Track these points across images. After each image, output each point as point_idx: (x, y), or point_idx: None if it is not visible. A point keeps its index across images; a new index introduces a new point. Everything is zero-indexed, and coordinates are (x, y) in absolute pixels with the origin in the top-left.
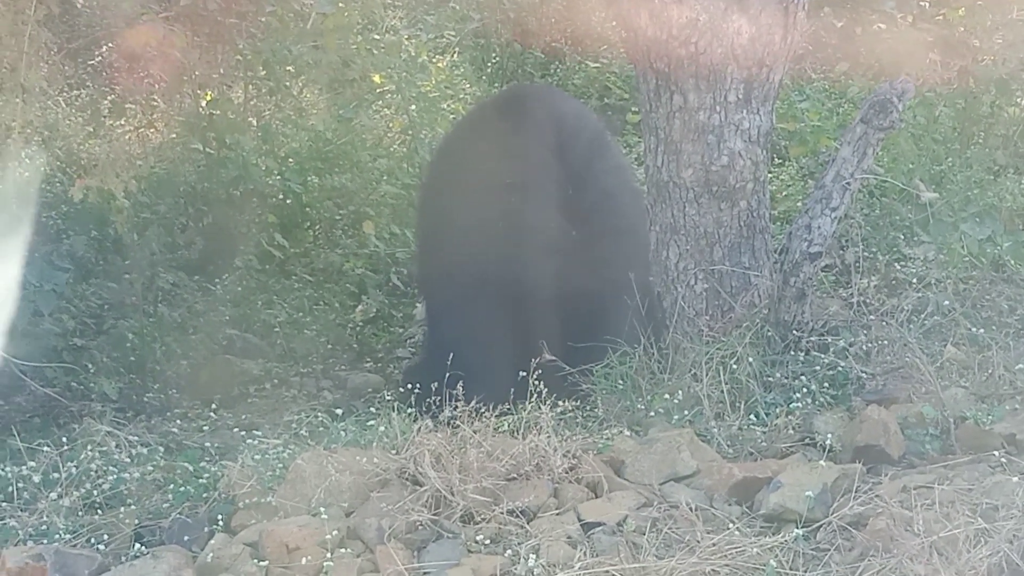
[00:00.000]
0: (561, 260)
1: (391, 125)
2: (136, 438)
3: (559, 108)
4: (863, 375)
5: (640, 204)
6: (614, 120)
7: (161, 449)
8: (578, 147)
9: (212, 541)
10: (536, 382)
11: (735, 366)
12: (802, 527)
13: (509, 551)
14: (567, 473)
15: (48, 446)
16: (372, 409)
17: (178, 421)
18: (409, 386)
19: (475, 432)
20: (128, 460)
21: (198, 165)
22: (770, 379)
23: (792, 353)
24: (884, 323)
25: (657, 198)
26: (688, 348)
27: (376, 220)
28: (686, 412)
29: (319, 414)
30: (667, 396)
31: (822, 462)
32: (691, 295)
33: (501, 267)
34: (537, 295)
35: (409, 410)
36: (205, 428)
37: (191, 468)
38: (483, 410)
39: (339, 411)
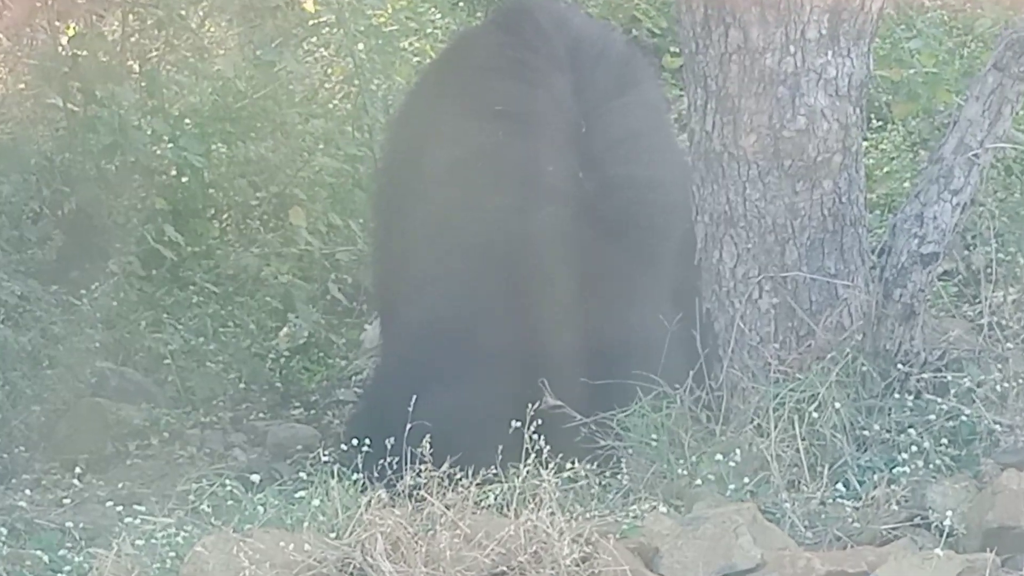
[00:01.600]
0: (577, 260)
1: (330, 72)
2: None
3: (581, 31)
4: (996, 427)
5: (684, 175)
6: None
7: (3, 531)
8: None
9: None
10: (535, 435)
11: (816, 414)
12: None
13: None
14: (578, 566)
15: None
16: (302, 475)
17: (27, 491)
18: (355, 442)
19: (448, 507)
20: None
21: (56, 128)
22: (865, 433)
23: (896, 396)
24: None
25: (706, 176)
26: (749, 389)
27: (308, 207)
28: (746, 479)
29: (227, 482)
30: (719, 457)
31: (938, 551)
32: (754, 314)
33: (495, 271)
34: (543, 311)
35: (355, 476)
36: (66, 501)
37: (46, 559)
38: (460, 476)
39: (255, 477)
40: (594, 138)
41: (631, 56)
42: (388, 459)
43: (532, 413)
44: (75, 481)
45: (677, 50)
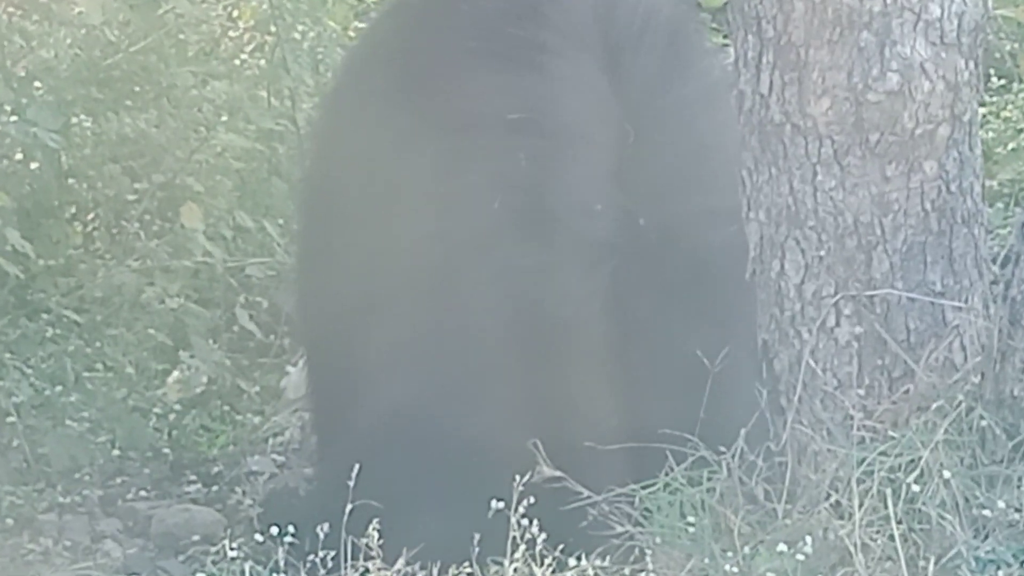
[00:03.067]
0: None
1: (236, 15)
2: None
3: None
4: None
5: None
6: None
7: None
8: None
9: None
10: (524, 518)
11: (916, 487)
12: None
13: None
14: None
15: None
16: None
17: None
18: (276, 530)
19: None
20: None
21: None
22: (986, 512)
23: None
24: None
25: (761, 157)
26: (824, 452)
27: (207, 203)
28: None
29: None
30: (783, 547)
31: None
32: (829, 348)
33: (513, 353)
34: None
35: None
36: None
37: None
38: (421, 574)
39: None
40: (647, 156)
41: (682, 21)
42: (324, 552)
43: (521, 488)
44: None
45: None
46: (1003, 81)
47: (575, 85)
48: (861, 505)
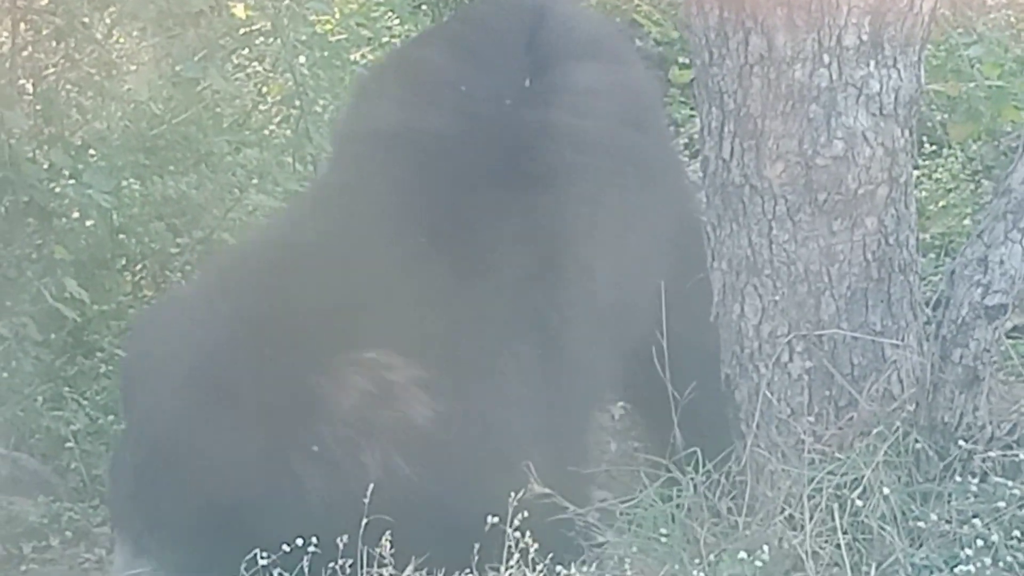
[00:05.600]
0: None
1: (265, 91)
2: None
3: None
4: None
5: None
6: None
7: None
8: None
9: None
10: (520, 529)
11: (860, 502)
12: None
13: None
14: None
15: None
16: None
17: None
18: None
19: None
20: None
21: None
22: (920, 524)
23: (957, 479)
24: None
25: (723, 214)
26: (779, 472)
27: None
28: None
29: None
30: (743, 555)
31: None
32: (783, 380)
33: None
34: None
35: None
36: None
37: None
38: None
39: None
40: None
41: (614, 39)
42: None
43: (515, 504)
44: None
45: (687, 61)
46: (934, 147)
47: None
48: (811, 518)
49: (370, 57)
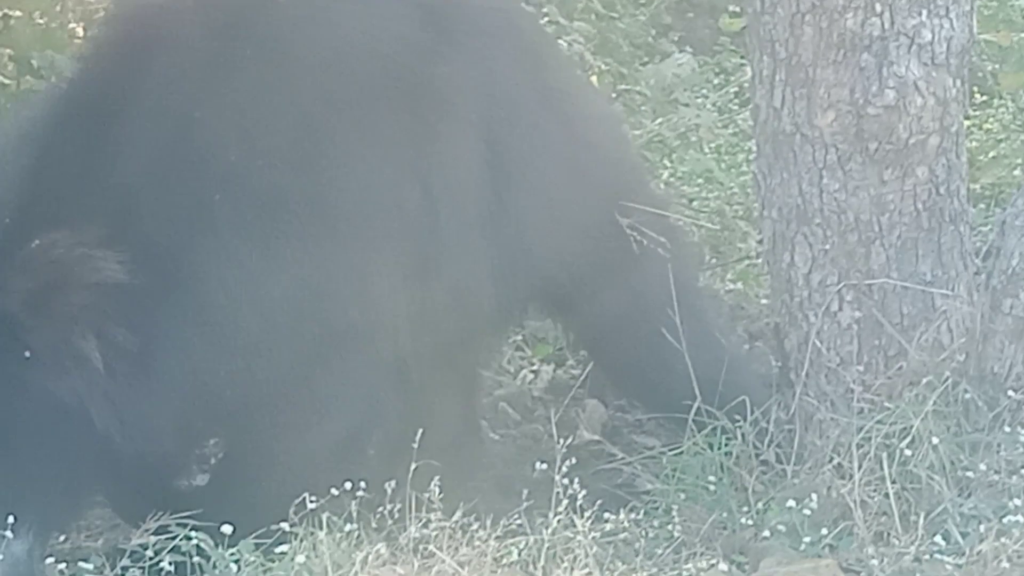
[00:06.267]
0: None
1: None
2: None
3: None
4: None
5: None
6: (697, 27)
7: None
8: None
9: None
10: (568, 477)
11: (908, 452)
12: None
13: None
14: None
15: None
16: (284, 525)
17: None
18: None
19: (462, 565)
20: None
21: None
22: (969, 474)
23: (1007, 430)
24: None
25: (774, 163)
26: (828, 421)
27: None
28: (824, 531)
29: (192, 534)
30: (791, 503)
31: None
32: (833, 330)
33: None
34: None
35: (348, 527)
36: None
37: None
38: (475, 526)
39: (227, 528)
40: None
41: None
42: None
43: (564, 449)
44: (7, 533)
45: (737, 9)
46: (985, 97)
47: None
48: (860, 467)
49: None
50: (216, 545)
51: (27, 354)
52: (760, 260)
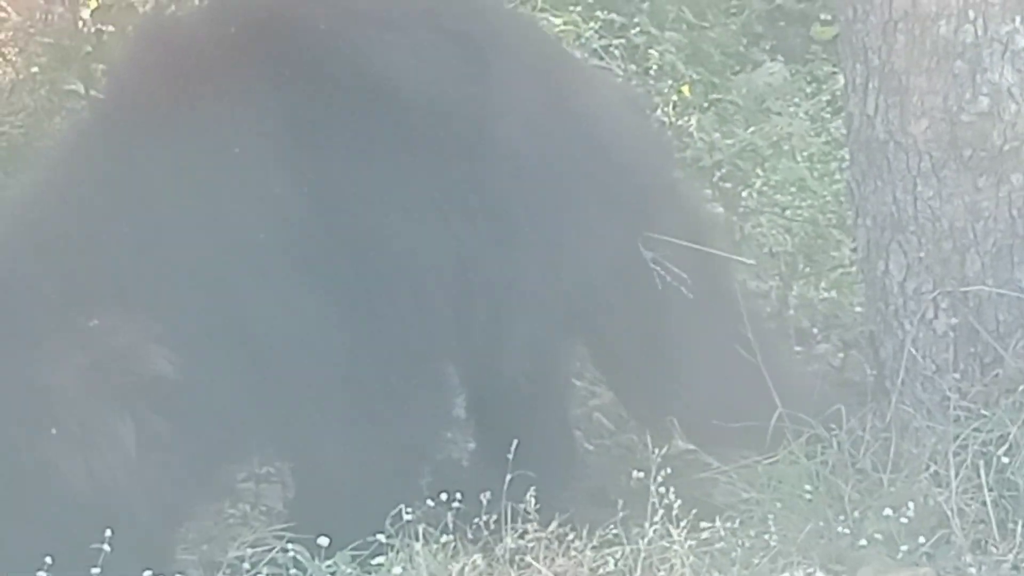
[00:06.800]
0: None
1: None
2: None
3: None
4: None
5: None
6: (788, 36)
7: None
8: None
9: None
10: (664, 486)
11: (1006, 459)
12: None
13: None
14: None
15: None
16: (380, 537)
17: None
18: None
19: (559, 575)
20: None
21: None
22: None
23: None
24: None
25: (868, 170)
26: (924, 429)
27: None
28: (922, 539)
29: (289, 546)
30: (888, 512)
31: None
32: (928, 337)
33: None
34: None
35: (444, 538)
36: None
37: None
38: (572, 537)
39: (324, 540)
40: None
41: None
42: (484, 517)
43: (659, 459)
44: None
45: (829, 17)
46: None
47: None
48: (957, 475)
49: None
50: (312, 557)
51: (53, 431)
52: (854, 268)
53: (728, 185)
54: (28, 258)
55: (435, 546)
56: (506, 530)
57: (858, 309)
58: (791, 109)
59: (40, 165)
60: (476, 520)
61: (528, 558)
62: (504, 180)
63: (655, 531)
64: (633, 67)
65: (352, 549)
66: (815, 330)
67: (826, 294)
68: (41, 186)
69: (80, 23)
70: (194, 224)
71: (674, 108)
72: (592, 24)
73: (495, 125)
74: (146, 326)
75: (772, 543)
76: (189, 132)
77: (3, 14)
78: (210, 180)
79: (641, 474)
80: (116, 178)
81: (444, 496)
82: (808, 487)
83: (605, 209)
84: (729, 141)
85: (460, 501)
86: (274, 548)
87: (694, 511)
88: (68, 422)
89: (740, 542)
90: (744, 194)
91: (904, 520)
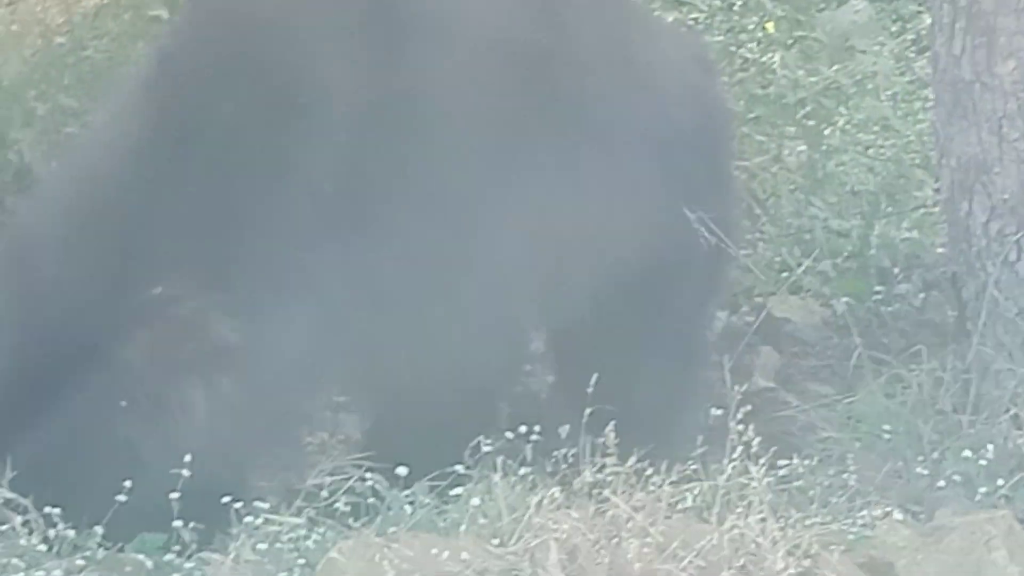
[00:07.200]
0: None
1: None
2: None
3: None
4: None
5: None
6: None
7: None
8: None
9: None
10: (743, 423)
11: None
12: None
13: None
14: None
15: None
16: (459, 468)
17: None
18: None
19: (637, 510)
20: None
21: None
22: None
23: None
24: None
25: (953, 111)
26: (1005, 371)
27: None
28: (1001, 481)
29: (368, 475)
30: (968, 453)
31: None
32: (1011, 279)
33: None
34: None
35: (523, 471)
36: (172, 495)
37: (149, 564)
38: (650, 472)
39: (402, 470)
40: None
41: None
42: (565, 450)
43: (738, 396)
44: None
45: None
46: None
47: None
48: None
49: None
50: (391, 487)
51: (123, 403)
52: (937, 208)
53: (811, 123)
54: (91, 225)
55: (513, 478)
56: (585, 464)
57: (940, 250)
58: (876, 47)
59: (102, 122)
60: (555, 453)
61: (606, 492)
62: (566, 126)
63: (733, 468)
64: (718, 3)
65: (430, 479)
66: (896, 270)
67: (908, 234)
68: (102, 149)
69: None
70: (260, 177)
71: (759, 44)
72: None
73: (560, 72)
74: (208, 294)
75: (850, 482)
76: (254, 85)
77: None
78: (275, 131)
79: (720, 411)
80: (178, 139)
81: (523, 429)
82: (887, 427)
83: (653, 170)
84: (813, 79)
85: (539, 434)
86: (352, 477)
87: (773, 449)
88: (138, 396)
89: (818, 480)
90: (827, 132)
91: (983, 462)
